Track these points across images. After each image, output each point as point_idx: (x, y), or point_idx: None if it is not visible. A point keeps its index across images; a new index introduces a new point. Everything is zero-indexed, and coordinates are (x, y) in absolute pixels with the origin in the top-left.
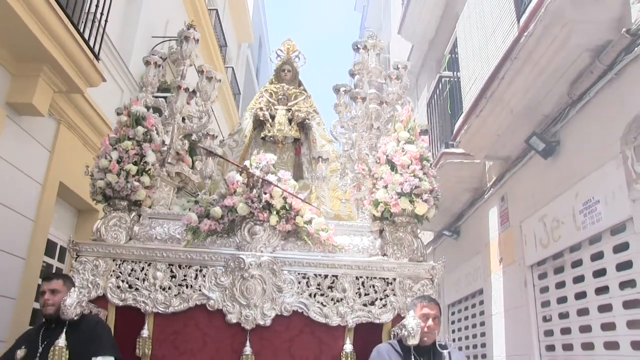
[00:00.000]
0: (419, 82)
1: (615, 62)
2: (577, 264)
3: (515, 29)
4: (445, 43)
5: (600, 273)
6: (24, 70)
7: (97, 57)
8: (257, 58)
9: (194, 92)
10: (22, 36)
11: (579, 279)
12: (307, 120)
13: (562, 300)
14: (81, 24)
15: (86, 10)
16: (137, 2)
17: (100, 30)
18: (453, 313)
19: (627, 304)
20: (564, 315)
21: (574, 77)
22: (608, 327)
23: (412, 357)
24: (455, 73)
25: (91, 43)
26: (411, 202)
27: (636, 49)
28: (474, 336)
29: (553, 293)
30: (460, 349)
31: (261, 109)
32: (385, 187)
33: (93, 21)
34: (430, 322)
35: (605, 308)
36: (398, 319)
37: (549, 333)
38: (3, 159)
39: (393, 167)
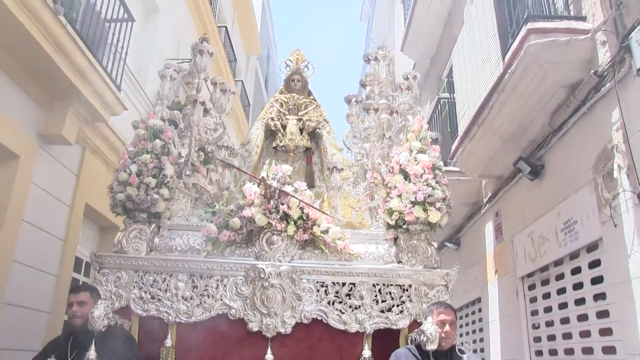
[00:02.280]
0: (421, 98)
1: (587, 99)
2: (560, 277)
3: (501, 65)
4: (445, 61)
5: (578, 286)
6: (55, 105)
7: (119, 88)
8: (265, 69)
9: (203, 103)
10: (53, 74)
11: (561, 291)
12: (317, 130)
13: (548, 309)
14: (104, 57)
15: (108, 42)
16: (150, 27)
17: (122, 62)
18: None
19: (600, 314)
20: (549, 323)
21: (553, 108)
22: (585, 334)
23: None
24: (452, 95)
25: (113, 74)
26: (424, 210)
27: (602, 88)
28: (474, 341)
29: (540, 303)
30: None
31: (272, 118)
32: (399, 196)
33: (115, 54)
34: (447, 327)
35: (582, 317)
36: (414, 324)
37: (537, 339)
38: (35, 185)
39: (406, 176)
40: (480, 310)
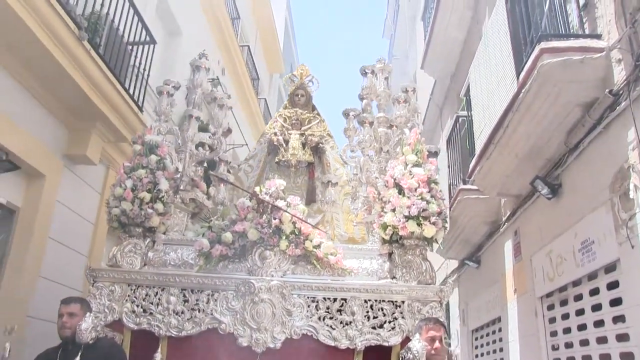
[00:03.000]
0: (442, 114)
1: (603, 118)
2: (578, 297)
3: (515, 84)
4: (463, 79)
5: (597, 307)
6: (79, 126)
7: (140, 109)
8: (288, 86)
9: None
10: (78, 97)
11: (580, 312)
12: (320, 144)
13: (567, 330)
14: (126, 79)
15: (131, 64)
16: (173, 49)
17: (144, 83)
18: (476, 338)
19: (620, 337)
20: (568, 345)
21: (569, 127)
22: (604, 357)
23: None
24: (469, 113)
25: (136, 95)
26: (419, 224)
27: (618, 107)
28: None
29: (559, 323)
30: None
31: (275, 134)
32: (393, 210)
33: (137, 75)
34: (437, 344)
35: (601, 340)
36: (407, 341)
37: None
38: (61, 203)
39: (401, 190)
40: (500, 329)
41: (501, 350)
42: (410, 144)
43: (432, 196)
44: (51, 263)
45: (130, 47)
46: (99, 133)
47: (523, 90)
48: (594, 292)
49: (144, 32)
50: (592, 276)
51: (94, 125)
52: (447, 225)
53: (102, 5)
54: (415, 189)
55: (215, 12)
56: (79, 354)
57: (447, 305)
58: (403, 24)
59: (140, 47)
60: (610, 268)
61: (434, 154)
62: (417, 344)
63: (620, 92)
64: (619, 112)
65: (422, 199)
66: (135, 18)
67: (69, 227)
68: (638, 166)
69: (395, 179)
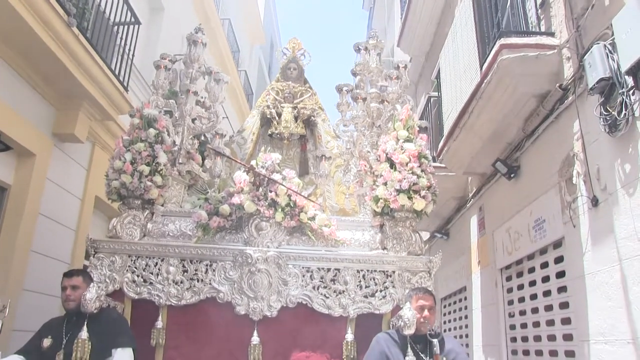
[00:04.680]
0: (417, 91)
1: (554, 109)
2: (531, 270)
3: (479, 74)
4: (437, 59)
5: (546, 279)
6: (67, 106)
7: (126, 88)
8: (269, 57)
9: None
10: (66, 80)
11: (532, 283)
12: (312, 117)
13: (522, 299)
14: (112, 59)
15: (116, 43)
16: (155, 25)
17: (129, 62)
18: (445, 306)
19: (562, 305)
20: (522, 312)
21: (526, 115)
22: (550, 323)
23: (409, 345)
24: (440, 94)
25: (121, 75)
26: (409, 198)
27: (566, 101)
28: (460, 327)
29: (515, 293)
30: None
31: (268, 106)
32: (385, 184)
33: (122, 55)
34: (426, 312)
35: (548, 308)
36: (397, 309)
37: (512, 327)
38: (50, 180)
39: (392, 164)
40: (466, 298)
41: (466, 317)
42: (401, 120)
43: (422, 170)
44: (41, 238)
45: (115, 27)
46: (86, 112)
47: (485, 81)
48: (544, 265)
49: (128, 13)
50: (543, 251)
51: (81, 105)
52: (437, 198)
53: None
54: (407, 164)
55: None
56: (85, 324)
57: None
58: None
59: (125, 27)
60: (557, 244)
61: (424, 129)
62: (408, 312)
63: (569, 87)
64: (567, 105)
65: (412, 173)
66: (121, 1)
67: (58, 203)
68: (581, 155)
69: (387, 154)
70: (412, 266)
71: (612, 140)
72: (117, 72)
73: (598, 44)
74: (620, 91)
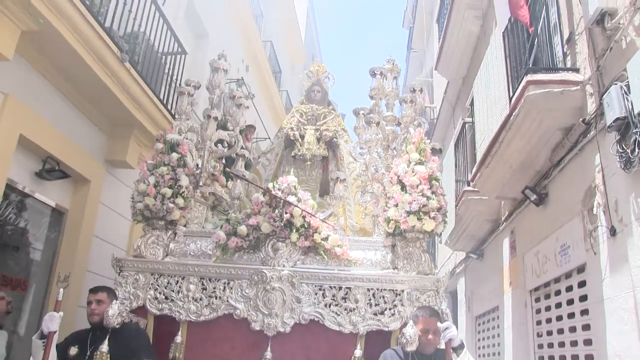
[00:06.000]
0: (454, 113)
1: (578, 142)
2: (557, 292)
3: (508, 107)
4: (472, 85)
5: (570, 302)
6: (119, 134)
7: (173, 116)
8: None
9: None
10: (117, 108)
11: (558, 305)
12: (334, 139)
13: (549, 320)
14: (161, 86)
15: (164, 71)
16: (201, 51)
17: (176, 90)
18: (479, 324)
19: (584, 327)
20: (549, 333)
21: (553, 146)
22: (573, 343)
23: None
24: (473, 120)
25: (169, 103)
26: (419, 219)
27: (589, 135)
28: (493, 345)
29: (543, 314)
30: (482, 355)
31: (292, 129)
32: (396, 205)
33: (170, 83)
34: (430, 335)
35: (572, 329)
36: (405, 326)
37: (540, 346)
38: (103, 204)
39: (403, 187)
40: (498, 317)
41: (498, 335)
42: (414, 143)
43: (432, 192)
44: (96, 258)
45: (162, 56)
46: (136, 139)
47: (513, 114)
48: (569, 289)
49: (176, 44)
50: (568, 275)
51: (132, 133)
52: (447, 219)
53: (139, 25)
54: (417, 186)
55: (240, 12)
56: (107, 337)
57: (455, 292)
58: (421, 18)
59: (173, 56)
60: (580, 269)
61: (438, 151)
62: (410, 330)
63: (591, 121)
64: (590, 139)
65: (422, 195)
66: (169, 33)
67: (110, 225)
68: (601, 187)
69: (398, 176)
70: (420, 285)
71: (627, 175)
72: (165, 100)
73: (616, 84)
74: (634, 131)
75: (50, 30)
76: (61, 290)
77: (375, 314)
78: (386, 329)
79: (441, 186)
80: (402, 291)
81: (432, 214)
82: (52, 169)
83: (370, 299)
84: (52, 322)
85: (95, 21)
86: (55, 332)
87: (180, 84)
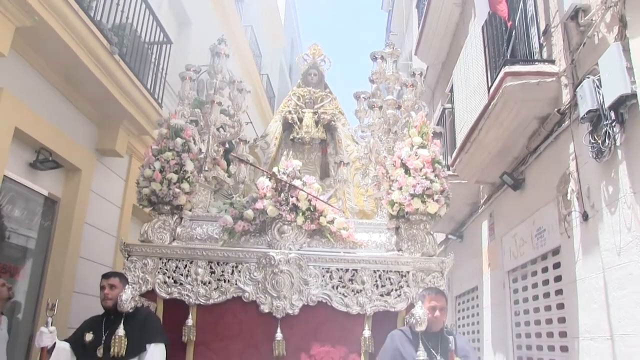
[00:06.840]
0: (434, 98)
1: (553, 130)
2: (534, 273)
3: (486, 96)
4: (452, 70)
5: (546, 282)
6: (108, 124)
7: (160, 105)
8: (289, 58)
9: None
10: (107, 99)
11: (534, 285)
12: (332, 122)
13: (525, 300)
14: (148, 77)
15: (151, 61)
16: (184, 39)
17: (163, 80)
18: (459, 304)
19: (558, 306)
20: (526, 312)
21: (529, 134)
22: (548, 321)
23: (421, 342)
24: (453, 106)
25: (156, 92)
26: (423, 202)
27: (563, 124)
28: (472, 324)
29: (520, 294)
30: (463, 333)
31: (290, 112)
32: (400, 188)
33: (156, 72)
34: (437, 312)
35: (547, 308)
36: (411, 307)
37: (517, 324)
38: (94, 192)
39: (407, 170)
40: (477, 297)
41: (477, 314)
42: (416, 127)
43: (435, 175)
44: (88, 245)
45: (148, 47)
46: (125, 129)
47: (492, 104)
48: (545, 270)
49: (161, 34)
50: (543, 257)
51: (121, 122)
52: (449, 202)
53: (127, 17)
54: (420, 169)
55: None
56: (122, 321)
57: None
58: (400, 1)
59: (158, 46)
60: (555, 252)
61: (439, 135)
62: (420, 310)
63: (566, 111)
64: (564, 128)
65: (426, 178)
66: (154, 23)
67: (101, 212)
68: (575, 174)
69: (402, 160)
70: (425, 267)
71: (598, 164)
72: (152, 89)
73: (589, 77)
74: (605, 123)
75: (43, 25)
76: (49, 319)
77: (381, 295)
78: (392, 310)
79: (443, 169)
80: (408, 272)
81: (436, 197)
82: (45, 160)
83: (376, 281)
84: (41, 337)
85: (86, 15)
86: (46, 346)
87: (165, 74)
